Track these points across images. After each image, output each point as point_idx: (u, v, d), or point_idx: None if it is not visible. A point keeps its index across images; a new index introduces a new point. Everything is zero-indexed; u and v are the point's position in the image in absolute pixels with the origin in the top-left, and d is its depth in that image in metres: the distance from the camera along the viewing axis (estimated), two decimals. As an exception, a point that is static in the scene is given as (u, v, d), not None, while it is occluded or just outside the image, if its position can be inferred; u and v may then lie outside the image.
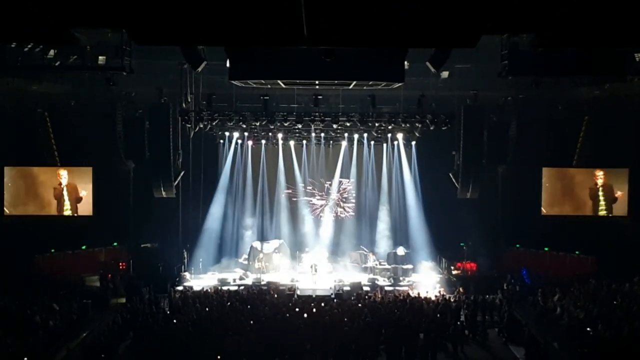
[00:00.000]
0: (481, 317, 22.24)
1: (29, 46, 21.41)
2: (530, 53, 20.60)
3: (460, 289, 25.22)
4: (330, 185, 32.42)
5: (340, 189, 32.51)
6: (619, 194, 28.40)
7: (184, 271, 28.51)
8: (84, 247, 28.67)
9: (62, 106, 28.61)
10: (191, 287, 25.74)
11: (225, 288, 25.71)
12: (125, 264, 28.36)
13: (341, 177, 32.29)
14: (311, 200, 32.42)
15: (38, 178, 28.46)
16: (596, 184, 28.65)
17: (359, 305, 22.58)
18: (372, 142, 31.54)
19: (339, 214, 32.53)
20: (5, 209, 28.04)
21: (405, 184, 31.67)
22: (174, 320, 20.60)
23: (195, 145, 29.58)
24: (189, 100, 27.18)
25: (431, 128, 27.71)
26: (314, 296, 24.46)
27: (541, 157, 29.18)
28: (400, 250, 30.22)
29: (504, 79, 22.04)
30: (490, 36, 19.54)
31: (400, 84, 21.59)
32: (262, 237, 31.67)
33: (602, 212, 28.77)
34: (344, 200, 32.65)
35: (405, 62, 17.98)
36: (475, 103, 27.54)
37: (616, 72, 22.37)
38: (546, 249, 28.79)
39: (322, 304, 22.58)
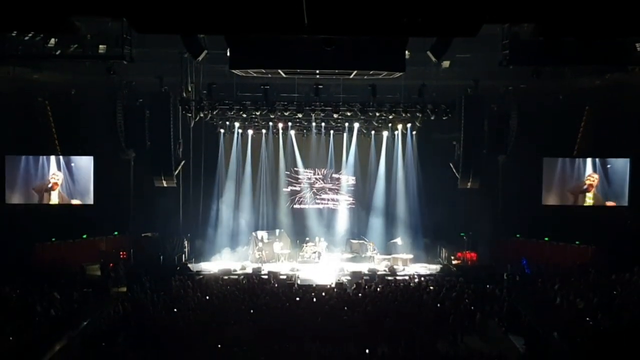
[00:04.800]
0: (481, 306, 22.25)
1: (30, 35, 21.37)
2: (531, 43, 20.59)
3: (460, 279, 25.24)
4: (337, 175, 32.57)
5: (322, 177, 32.58)
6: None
7: (185, 260, 28.58)
8: (84, 236, 28.69)
9: (62, 95, 28.59)
10: (192, 276, 25.76)
11: (225, 277, 25.74)
12: (125, 253, 28.38)
13: (340, 167, 32.32)
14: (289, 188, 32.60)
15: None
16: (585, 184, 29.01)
17: (359, 294, 22.61)
18: (373, 132, 31.52)
19: (320, 203, 32.66)
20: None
21: (405, 173, 31.67)
22: (175, 309, 20.65)
23: (195, 134, 29.56)
24: (190, 89, 27.15)
25: (432, 118, 27.67)
26: (314, 285, 24.47)
27: (542, 147, 29.15)
28: (400, 240, 30.29)
29: (505, 68, 21.99)
30: (491, 26, 19.63)
31: (401, 74, 21.56)
32: (263, 227, 31.67)
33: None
34: (333, 190, 32.70)
35: (406, 52, 17.93)
36: (476, 93, 27.48)
37: (617, 61, 22.33)
38: (546, 238, 28.78)
39: (323, 294, 22.64)
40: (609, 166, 28.76)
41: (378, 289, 23.54)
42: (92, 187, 28.77)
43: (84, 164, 28.86)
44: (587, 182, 28.88)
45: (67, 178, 28.72)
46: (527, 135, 28.57)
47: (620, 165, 28.65)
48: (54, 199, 28.69)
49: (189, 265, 28.13)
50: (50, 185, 28.54)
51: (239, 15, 9.58)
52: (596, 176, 28.80)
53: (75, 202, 28.83)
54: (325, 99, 27.45)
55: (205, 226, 30.89)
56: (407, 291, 23.13)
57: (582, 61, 21.58)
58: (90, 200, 28.83)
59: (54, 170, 28.62)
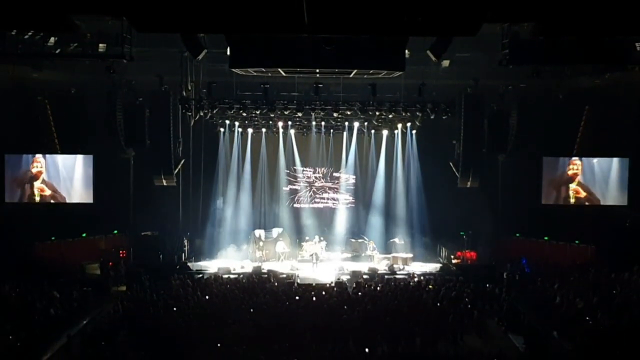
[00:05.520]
0: (481, 306, 22.25)
1: (30, 34, 21.37)
2: (531, 42, 20.59)
3: (460, 278, 25.23)
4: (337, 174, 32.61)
5: (322, 176, 32.62)
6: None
7: (185, 259, 28.60)
8: (84, 235, 28.70)
9: (62, 94, 28.61)
10: (191, 275, 25.76)
11: (225, 276, 25.74)
12: (125, 252, 28.38)
13: (340, 166, 32.33)
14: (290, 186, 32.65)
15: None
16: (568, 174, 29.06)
17: (359, 293, 22.61)
18: (373, 131, 31.54)
19: (320, 202, 32.70)
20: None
21: (405, 172, 31.69)
22: (174, 308, 20.64)
23: (195, 133, 29.58)
24: (189, 88, 27.15)
25: (432, 117, 27.66)
26: (314, 284, 24.46)
27: (542, 147, 29.16)
28: (400, 239, 30.31)
29: (505, 67, 22.00)
30: (491, 25, 19.62)
31: (400, 73, 21.56)
32: (263, 226, 31.69)
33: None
34: (333, 189, 32.72)
35: (406, 51, 17.92)
36: (475, 92, 27.48)
37: (617, 61, 22.32)
38: (546, 238, 28.80)
39: (322, 292, 22.62)
40: (594, 160, 28.83)
41: (378, 288, 23.52)
42: (77, 184, 28.84)
43: (69, 161, 28.90)
44: (570, 171, 28.92)
45: (50, 170, 28.72)
46: (527, 134, 28.58)
47: (604, 163, 28.71)
48: (38, 188, 28.62)
49: (189, 264, 28.15)
50: (33, 175, 28.50)
51: (239, 14, 9.58)
52: (579, 163, 28.84)
53: (60, 196, 28.83)
54: (325, 98, 27.45)
55: (204, 225, 30.91)
56: (407, 290, 23.12)
57: (582, 60, 21.57)
58: (78, 198, 28.90)
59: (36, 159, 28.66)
